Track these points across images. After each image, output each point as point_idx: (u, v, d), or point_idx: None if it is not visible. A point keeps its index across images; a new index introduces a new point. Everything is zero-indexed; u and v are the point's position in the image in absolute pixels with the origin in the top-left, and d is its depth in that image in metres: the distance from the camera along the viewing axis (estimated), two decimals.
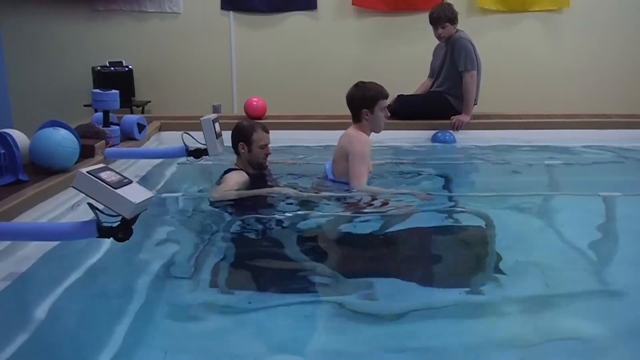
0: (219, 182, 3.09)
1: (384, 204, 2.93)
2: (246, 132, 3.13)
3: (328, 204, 2.96)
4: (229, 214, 2.84)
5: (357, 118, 3.11)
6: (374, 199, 2.98)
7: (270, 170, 3.34)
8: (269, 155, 3.19)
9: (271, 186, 3.15)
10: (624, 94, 5.84)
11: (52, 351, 1.74)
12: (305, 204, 2.93)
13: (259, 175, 3.19)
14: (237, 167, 3.15)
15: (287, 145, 4.20)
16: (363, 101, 3.06)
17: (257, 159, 3.14)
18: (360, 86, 3.10)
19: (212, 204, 2.94)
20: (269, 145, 3.17)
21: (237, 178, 3.05)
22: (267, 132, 3.16)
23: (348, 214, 2.86)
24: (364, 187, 3.02)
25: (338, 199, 3.01)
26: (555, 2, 5.84)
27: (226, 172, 3.13)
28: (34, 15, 5.88)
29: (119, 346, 1.70)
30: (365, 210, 2.89)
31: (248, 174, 3.12)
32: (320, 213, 2.84)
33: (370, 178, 3.13)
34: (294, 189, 3.07)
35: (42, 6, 5.87)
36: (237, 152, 3.18)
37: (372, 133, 3.17)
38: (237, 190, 2.99)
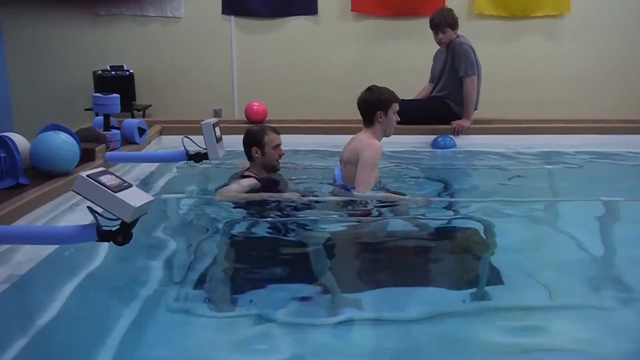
0: (228, 183, 3.08)
1: (380, 213, 2.92)
2: (257, 136, 3.14)
3: (331, 210, 2.96)
4: (232, 216, 2.84)
5: (370, 121, 3.11)
6: (370, 207, 2.97)
7: (282, 175, 3.33)
8: (282, 157, 3.19)
9: (281, 191, 3.14)
10: (624, 99, 5.84)
11: (52, 353, 1.74)
12: (309, 209, 2.92)
13: (270, 180, 3.18)
14: (249, 174, 3.14)
15: (288, 150, 4.20)
16: (378, 103, 3.08)
17: (271, 161, 3.14)
18: (374, 89, 3.13)
19: (217, 202, 2.95)
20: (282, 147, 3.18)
21: (246, 181, 3.05)
22: (278, 134, 3.18)
23: (349, 220, 2.85)
24: (367, 193, 3.00)
25: (341, 205, 3.00)
26: (556, 7, 5.85)
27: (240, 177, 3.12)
28: (36, 20, 5.90)
29: (119, 349, 1.69)
30: (366, 217, 2.89)
31: (260, 179, 3.11)
32: (322, 218, 2.84)
33: (375, 184, 3.11)
34: (298, 193, 3.07)
35: (43, 10, 5.88)
36: (250, 157, 3.17)
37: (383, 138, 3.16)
38: (244, 193, 2.98)
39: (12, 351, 1.67)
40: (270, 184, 3.15)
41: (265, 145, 3.12)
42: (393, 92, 3.14)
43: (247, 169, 3.21)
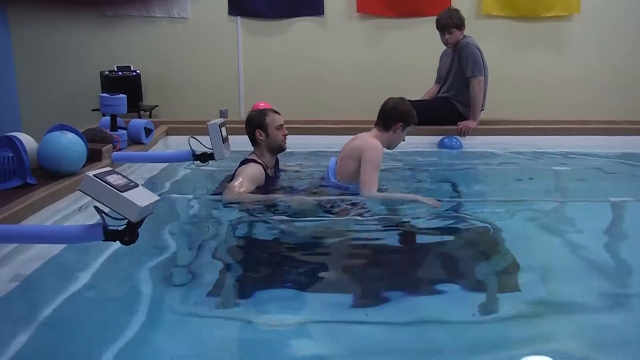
0: (233, 176, 3.07)
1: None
2: (259, 118, 3.14)
3: (334, 211, 2.95)
4: (239, 217, 2.83)
5: (386, 126, 3.12)
6: (372, 208, 2.96)
7: (279, 172, 3.33)
8: (286, 136, 3.17)
9: (285, 187, 3.13)
10: (633, 100, 5.81)
11: (56, 353, 1.74)
12: (316, 210, 2.91)
13: (273, 176, 3.17)
14: (254, 159, 3.12)
15: (294, 151, 4.20)
16: (405, 115, 3.12)
17: (276, 142, 3.13)
18: (406, 102, 3.18)
19: (223, 203, 2.95)
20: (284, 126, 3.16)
21: (252, 174, 3.01)
22: (279, 114, 3.18)
23: (355, 221, 2.85)
24: (373, 194, 3.00)
25: (347, 205, 3.00)
26: (566, 8, 5.82)
27: (243, 162, 3.10)
28: (43, 21, 5.94)
29: (123, 350, 1.69)
30: (370, 217, 2.88)
31: (265, 166, 3.09)
32: (329, 220, 2.83)
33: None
34: (306, 195, 3.07)
35: (50, 11, 5.92)
36: (254, 142, 3.16)
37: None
38: (251, 192, 2.98)
39: (17, 350, 1.67)
40: (273, 179, 3.14)
41: (268, 126, 3.11)
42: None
43: (252, 153, 3.18)
